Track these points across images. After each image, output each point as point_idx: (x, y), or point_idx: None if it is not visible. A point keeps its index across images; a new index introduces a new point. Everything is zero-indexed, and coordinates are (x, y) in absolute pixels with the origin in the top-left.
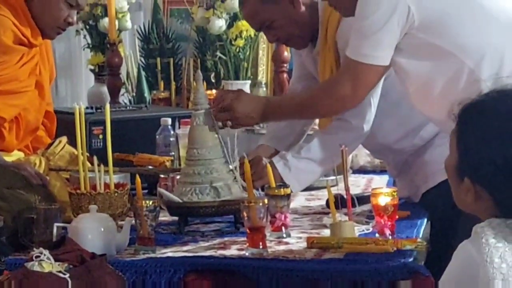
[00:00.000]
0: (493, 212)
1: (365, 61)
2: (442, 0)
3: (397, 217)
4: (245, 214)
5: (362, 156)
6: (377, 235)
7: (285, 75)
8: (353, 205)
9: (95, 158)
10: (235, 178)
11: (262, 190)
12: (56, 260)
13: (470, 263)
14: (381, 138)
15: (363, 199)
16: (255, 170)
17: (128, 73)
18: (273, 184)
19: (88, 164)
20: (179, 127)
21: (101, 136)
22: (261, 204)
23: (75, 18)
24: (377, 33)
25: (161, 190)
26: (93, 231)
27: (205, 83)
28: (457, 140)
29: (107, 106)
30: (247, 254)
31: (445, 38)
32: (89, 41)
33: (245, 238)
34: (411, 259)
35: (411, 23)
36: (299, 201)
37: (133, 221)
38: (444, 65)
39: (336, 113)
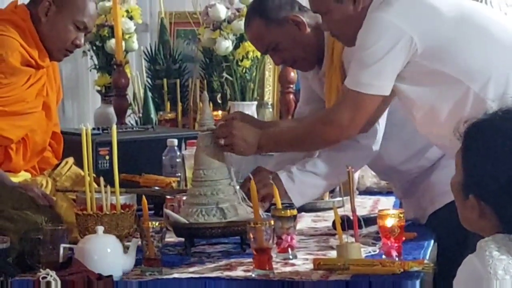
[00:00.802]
0: (497, 229)
1: (364, 91)
2: (445, 26)
3: (403, 238)
4: (251, 235)
5: (369, 177)
6: (383, 256)
7: (291, 96)
8: (360, 227)
9: (101, 179)
10: (235, 191)
11: (268, 210)
12: (62, 281)
13: (474, 276)
14: (387, 160)
15: (369, 220)
16: (258, 179)
17: (134, 94)
18: (279, 205)
19: (95, 185)
20: (185, 148)
21: (107, 157)
22: (267, 225)
23: (82, 41)
24: (378, 63)
25: (167, 211)
26: (99, 252)
27: (211, 104)
28: (463, 158)
29: (114, 127)
30: (253, 275)
31: (450, 64)
32: (96, 62)
33: (251, 260)
34: (418, 281)
35: (413, 52)
36: (305, 222)
37: (140, 242)
38: (449, 91)
39: (334, 142)
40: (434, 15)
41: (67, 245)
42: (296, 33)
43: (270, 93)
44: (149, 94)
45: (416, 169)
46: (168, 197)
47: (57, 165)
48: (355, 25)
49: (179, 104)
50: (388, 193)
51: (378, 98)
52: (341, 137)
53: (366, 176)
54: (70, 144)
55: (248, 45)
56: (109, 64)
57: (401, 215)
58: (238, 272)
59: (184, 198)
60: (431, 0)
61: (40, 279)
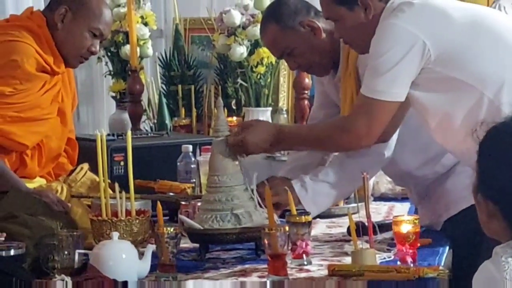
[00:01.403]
0: (509, 234)
1: (380, 98)
2: (458, 33)
3: (418, 244)
4: (266, 241)
5: (384, 183)
6: (398, 263)
7: (306, 101)
8: (375, 233)
9: (116, 185)
10: (251, 197)
11: (283, 216)
12: (77, 287)
13: (491, 282)
14: (402, 165)
15: (384, 226)
16: (271, 186)
17: (149, 100)
18: (294, 211)
19: (110, 191)
20: (200, 154)
21: (122, 163)
22: (282, 231)
23: (98, 48)
24: (392, 70)
25: (182, 217)
26: (114, 258)
27: (226, 110)
28: (477, 161)
29: (129, 133)
30: (268, 281)
31: (463, 71)
32: (111, 68)
33: (266, 266)
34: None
35: (427, 58)
36: (320, 228)
37: (154, 248)
38: (463, 97)
39: (350, 149)
40: (447, 22)
41: (82, 251)
42: (311, 38)
43: (284, 99)
44: (164, 100)
45: (431, 175)
46: (183, 203)
47: (72, 171)
48: (367, 32)
49: (194, 110)
50: (403, 199)
51: (394, 104)
52: (359, 145)
53: (381, 182)
54: (85, 150)
55: (262, 51)
56: (124, 70)
57: (416, 221)
58: (253, 278)
59: (199, 204)
60: (444, 7)
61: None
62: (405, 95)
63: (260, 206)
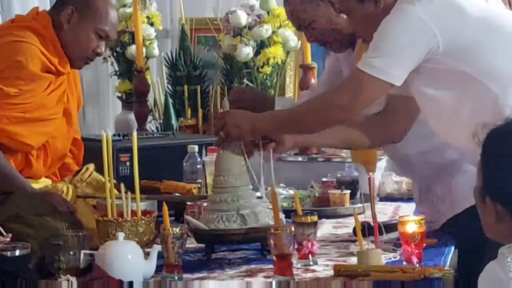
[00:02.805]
0: None
1: (374, 74)
2: (471, 27)
3: (424, 245)
4: (271, 241)
5: (389, 183)
6: (404, 263)
7: None
8: (380, 233)
9: (122, 185)
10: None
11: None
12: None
13: (496, 282)
14: (407, 149)
15: (390, 227)
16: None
17: (155, 100)
18: (300, 212)
19: (115, 191)
20: (206, 155)
21: (128, 163)
22: (288, 231)
23: (103, 49)
24: (394, 52)
25: (188, 217)
26: (120, 258)
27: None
28: (481, 163)
29: (134, 133)
30: (274, 281)
31: (472, 65)
32: (117, 68)
33: (271, 266)
34: None
35: (435, 49)
36: (326, 228)
37: (160, 248)
38: (470, 92)
39: (326, 123)
40: (460, 15)
41: (88, 251)
42: (331, 14)
43: None
44: (170, 100)
45: (434, 165)
46: (189, 203)
47: (78, 172)
48: (377, 24)
49: (200, 110)
50: (409, 199)
51: (385, 85)
52: (337, 116)
53: (386, 182)
54: (91, 151)
55: (269, 52)
56: (129, 70)
57: (422, 222)
58: (259, 278)
59: (205, 204)
60: (460, 0)
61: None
62: (400, 80)
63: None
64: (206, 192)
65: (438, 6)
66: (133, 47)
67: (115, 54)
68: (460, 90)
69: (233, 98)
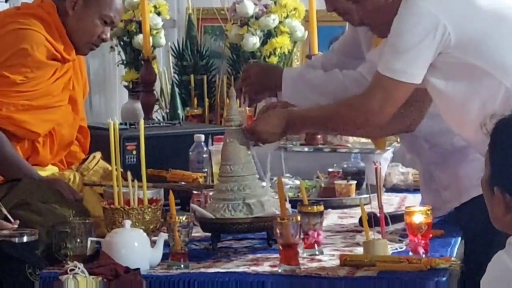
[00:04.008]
0: None
1: (397, 78)
2: (481, 19)
3: (430, 235)
4: (278, 231)
5: (396, 174)
6: (410, 253)
7: None
8: (387, 224)
9: (129, 173)
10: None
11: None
12: (90, 274)
13: (505, 272)
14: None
15: (396, 217)
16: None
17: (161, 90)
18: (306, 201)
19: (122, 180)
20: (212, 144)
21: (134, 152)
22: (294, 221)
23: (108, 35)
24: (411, 51)
25: (194, 206)
26: (126, 246)
27: (238, 100)
28: (490, 153)
29: (141, 122)
30: (279, 270)
31: (483, 58)
32: (123, 57)
33: (277, 255)
34: (444, 278)
35: (447, 42)
36: (332, 219)
37: (166, 237)
38: (481, 85)
39: (360, 127)
40: (471, 7)
41: (95, 239)
42: None
43: None
44: (176, 89)
45: (441, 151)
46: (195, 192)
47: (85, 160)
48: (387, 16)
49: (206, 100)
50: (415, 190)
51: (410, 86)
52: (369, 122)
53: (393, 173)
54: (98, 139)
55: (275, 42)
56: (136, 59)
57: (429, 212)
58: (265, 267)
59: (211, 193)
60: None
61: (68, 271)
62: (421, 77)
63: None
64: (212, 181)
65: None
66: (140, 36)
67: (122, 43)
68: (471, 83)
69: (242, 77)
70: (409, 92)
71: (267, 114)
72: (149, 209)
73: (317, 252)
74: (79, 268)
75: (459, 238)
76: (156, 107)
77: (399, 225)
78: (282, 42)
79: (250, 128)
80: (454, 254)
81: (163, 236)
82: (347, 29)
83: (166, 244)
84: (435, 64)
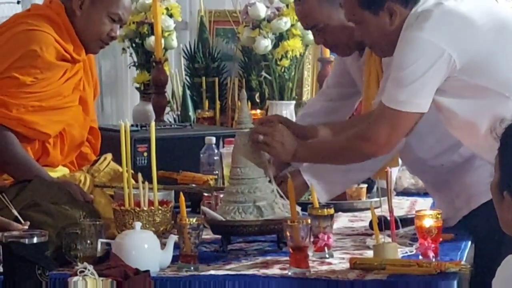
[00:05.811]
0: None
1: (403, 109)
2: (483, 41)
3: (441, 239)
4: (288, 233)
5: (406, 178)
6: (420, 257)
7: None
8: (397, 227)
9: (139, 175)
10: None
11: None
12: (100, 276)
13: None
14: (419, 153)
15: (406, 221)
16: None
17: (173, 92)
18: (316, 204)
19: (133, 181)
20: (223, 146)
21: (145, 154)
22: (304, 224)
23: (117, 33)
24: (416, 82)
25: (204, 208)
26: (137, 248)
27: (249, 103)
28: (499, 158)
29: (152, 124)
30: (289, 273)
31: (489, 78)
32: (135, 59)
33: (287, 258)
34: (454, 282)
35: (452, 69)
36: (342, 222)
37: (177, 239)
38: (489, 103)
39: (368, 158)
40: (471, 30)
41: (105, 240)
42: (345, 18)
43: (308, 93)
44: (188, 92)
45: (448, 164)
46: (206, 194)
47: (96, 161)
48: (390, 38)
49: (217, 102)
50: (426, 194)
51: (416, 115)
52: (377, 153)
53: (403, 177)
54: (109, 141)
55: (287, 44)
56: (148, 61)
57: (439, 216)
58: (275, 270)
59: (221, 195)
60: (467, 14)
61: (78, 272)
62: (428, 105)
63: (281, 197)
64: (223, 183)
65: (447, 23)
66: (152, 38)
67: (134, 45)
68: (479, 101)
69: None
70: (414, 121)
71: (284, 133)
72: (160, 211)
73: (327, 255)
74: (88, 270)
75: (469, 242)
76: (167, 109)
77: (409, 229)
78: (293, 45)
79: (265, 138)
80: (464, 258)
81: (173, 238)
82: (334, 62)
83: (176, 246)
84: (442, 87)
